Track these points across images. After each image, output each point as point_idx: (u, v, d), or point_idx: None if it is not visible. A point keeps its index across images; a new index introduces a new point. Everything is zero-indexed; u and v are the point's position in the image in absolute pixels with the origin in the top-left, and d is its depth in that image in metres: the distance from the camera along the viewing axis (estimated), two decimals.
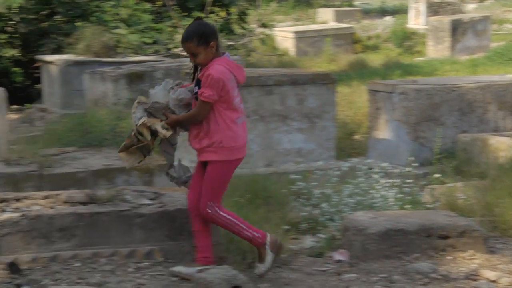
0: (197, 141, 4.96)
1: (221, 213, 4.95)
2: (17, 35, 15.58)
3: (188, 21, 16.19)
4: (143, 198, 5.40)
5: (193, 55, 4.95)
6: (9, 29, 15.55)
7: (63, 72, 12.65)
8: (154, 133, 5.01)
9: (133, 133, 5.04)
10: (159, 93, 5.07)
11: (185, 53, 15.77)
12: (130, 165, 5.15)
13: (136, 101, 5.16)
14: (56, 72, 12.80)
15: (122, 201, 5.30)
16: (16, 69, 14.88)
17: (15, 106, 13.12)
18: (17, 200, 5.32)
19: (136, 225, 5.16)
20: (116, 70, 10.93)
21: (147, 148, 5.07)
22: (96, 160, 6.52)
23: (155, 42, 15.12)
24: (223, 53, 5.00)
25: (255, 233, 5.01)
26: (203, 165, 5.00)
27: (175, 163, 5.16)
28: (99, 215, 5.11)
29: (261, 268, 5.05)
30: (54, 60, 12.98)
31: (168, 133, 5.00)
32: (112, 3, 15.86)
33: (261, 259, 5.03)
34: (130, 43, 14.02)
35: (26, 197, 5.36)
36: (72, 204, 5.28)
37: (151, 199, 5.48)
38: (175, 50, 15.30)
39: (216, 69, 4.88)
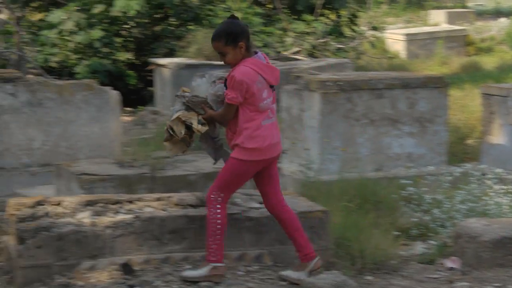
0: (229, 141, 4.93)
1: (218, 209, 4.81)
2: (131, 39, 15.94)
3: (297, 24, 16.22)
4: (252, 201, 5.42)
5: (221, 55, 4.91)
6: (123, 33, 15.91)
7: (175, 75, 12.87)
8: (190, 128, 4.93)
9: (165, 128, 5.01)
10: (203, 86, 5.04)
11: (295, 56, 15.72)
12: (174, 155, 5.11)
13: (175, 94, 5.13)
14: (168, 75, 13.02)
15: (232, 204, 5.33)
16: (130, 72, 15.20)
17: (128, 109, 13.42)
18: (130, 202, 5.41)
19: (245, 229, 5.19)
20: (226, 73, 11.01)
21: (188, 139, 5.00)
22: (206, 163, 6.56)
23: (265, 45, 15.19)
24: (255, 53, 4.89)
25: (217, 252, 4.83)
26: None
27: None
28: None
29: (193, 273, 4.85)
30: (166, 63, 13.22)
31: (203, 129, 4.91)
32: (224, 6, 16.02)
33: (200, 268, 4.87)
34: None
35: (139, 199, 5.45)
36: (183, 206, 5.34)
37: (260, 203, 5.49)
38: (285, 53, 15.33)
39: (240, 70, 4.80)
